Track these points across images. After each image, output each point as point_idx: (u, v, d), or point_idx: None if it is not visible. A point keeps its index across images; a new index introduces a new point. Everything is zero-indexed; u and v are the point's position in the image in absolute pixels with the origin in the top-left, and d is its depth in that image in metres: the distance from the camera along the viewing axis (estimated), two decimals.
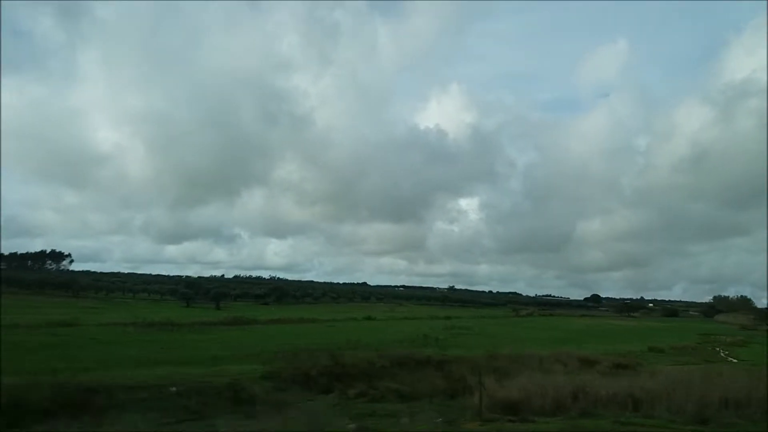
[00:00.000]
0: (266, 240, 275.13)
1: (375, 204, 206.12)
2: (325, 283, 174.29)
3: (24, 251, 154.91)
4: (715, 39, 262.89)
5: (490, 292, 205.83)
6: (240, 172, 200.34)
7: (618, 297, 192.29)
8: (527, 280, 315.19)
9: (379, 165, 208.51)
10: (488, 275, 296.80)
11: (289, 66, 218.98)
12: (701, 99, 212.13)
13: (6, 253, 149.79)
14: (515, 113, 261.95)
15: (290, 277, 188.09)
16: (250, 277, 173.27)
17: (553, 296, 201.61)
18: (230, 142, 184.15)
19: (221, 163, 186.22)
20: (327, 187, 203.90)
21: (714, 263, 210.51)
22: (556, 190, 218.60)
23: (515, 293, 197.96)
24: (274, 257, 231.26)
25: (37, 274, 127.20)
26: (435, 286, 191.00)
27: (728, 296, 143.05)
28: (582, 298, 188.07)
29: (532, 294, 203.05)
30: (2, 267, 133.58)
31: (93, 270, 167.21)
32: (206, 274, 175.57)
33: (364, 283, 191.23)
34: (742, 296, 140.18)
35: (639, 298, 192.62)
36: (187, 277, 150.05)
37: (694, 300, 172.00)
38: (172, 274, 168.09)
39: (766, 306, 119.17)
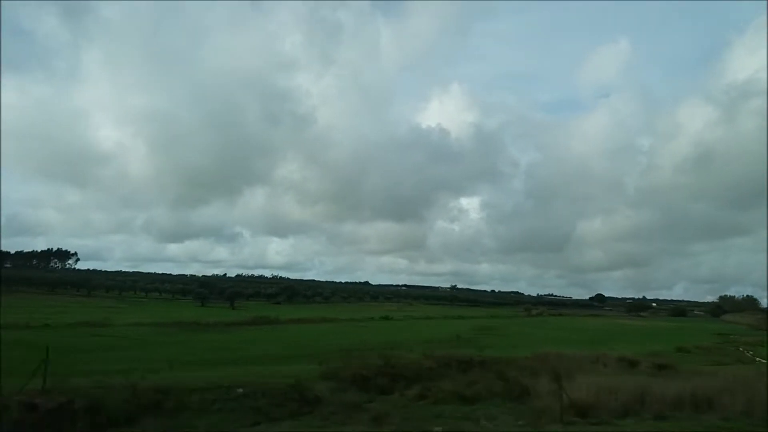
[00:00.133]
0: (267, 239, 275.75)
1: (376, 203, 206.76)
2: (327, 282, 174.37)
3: (29, 250, 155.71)
4: (717, 39, 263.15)
5: (493, 291, 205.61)
6: (242, 171, 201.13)
7: (620, 297, 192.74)
8: (528, 280, 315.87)
9: (381, 164, 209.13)
10: (489, 274, 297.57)
11: (291, 65, 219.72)
12: (703, 99, 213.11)
13: (12, 251, 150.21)
14: (517, 113, 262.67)
15: (292, 275, 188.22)
16: (252, 276, 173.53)
17: (555, 295, 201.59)
18: (232, 142, 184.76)
19: (223, 163, 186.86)
20: (328, 186, 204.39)
21: (715, 263, 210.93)
22: (558, 189, 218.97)
23: (517, 293, 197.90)
24: (275, 256, 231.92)
25: (52, 274, 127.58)
26: (436, 286, 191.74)
27: (734, 296, 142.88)
28: (586, 298, 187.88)
29: (533, 293, 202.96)
30: (7, 265, 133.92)
31: (95, 269, 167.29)
32: (207, 272, 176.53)
33: (366, 282, 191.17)
34: (748, 296, 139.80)
35: (641, 297, 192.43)
36: (202, 276, 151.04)
37: (695, 299, 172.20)
38: (174, 273, 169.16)
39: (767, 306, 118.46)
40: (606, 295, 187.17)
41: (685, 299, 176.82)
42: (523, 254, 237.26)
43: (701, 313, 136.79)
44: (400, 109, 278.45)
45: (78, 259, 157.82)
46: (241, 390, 14.24)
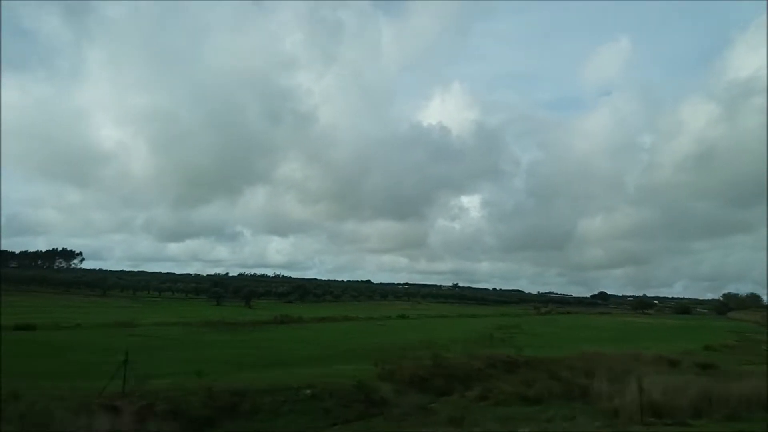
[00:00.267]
0: (268, 238, 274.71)
1: (377, 202, 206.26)
2: (329, 280, 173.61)
3: (33, 249, 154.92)
4: (718, 37, 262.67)
5: (495, 289, 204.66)
6: (243, 170, 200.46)
7: (620, 294, 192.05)
8: (529, 278, 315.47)
9: (382, 163, 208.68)
10: (489, 272, 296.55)
11: (292, 64, 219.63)
12: (704, 97, 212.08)
13: (17, 251, 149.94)
14: (518, 112, 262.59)
15: (293, 274, 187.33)
16: (255, 275, 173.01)
17: (557, 293, 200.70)
18: (234, 141, 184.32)
19: (224, 162, 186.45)
20: (330, 185, 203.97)
21: (716, 261, 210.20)
22: (559, 188, 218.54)
23: (518, 291, 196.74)
24: (275, 255, 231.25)
25: (66, 274, 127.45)
26: (438, 284, 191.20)
27: (738, 293, 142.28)
28: (588, 296, 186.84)
29: (534, 291, 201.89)
30: (12, 265, 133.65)
31: (99, 268, 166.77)
32: (208, 272, 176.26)
33: (368, 281, 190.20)
34: (751, 293, 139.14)
35: (642, 295, 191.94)
36: (216, 275, 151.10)
37: (695, 297, 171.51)
38: (178, 273, 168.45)
39: None
40: (605, 293, 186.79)
41: (686, 297, 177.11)
42: (524, 252, 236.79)
43: (705, 310, 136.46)
44: (401, 108, 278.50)
45: (83, 259, 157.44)
46: (309, 391, 14.15)
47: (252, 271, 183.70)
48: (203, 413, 11.79)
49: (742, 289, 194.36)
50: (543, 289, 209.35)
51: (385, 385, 15.42)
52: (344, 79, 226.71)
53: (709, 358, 24.63)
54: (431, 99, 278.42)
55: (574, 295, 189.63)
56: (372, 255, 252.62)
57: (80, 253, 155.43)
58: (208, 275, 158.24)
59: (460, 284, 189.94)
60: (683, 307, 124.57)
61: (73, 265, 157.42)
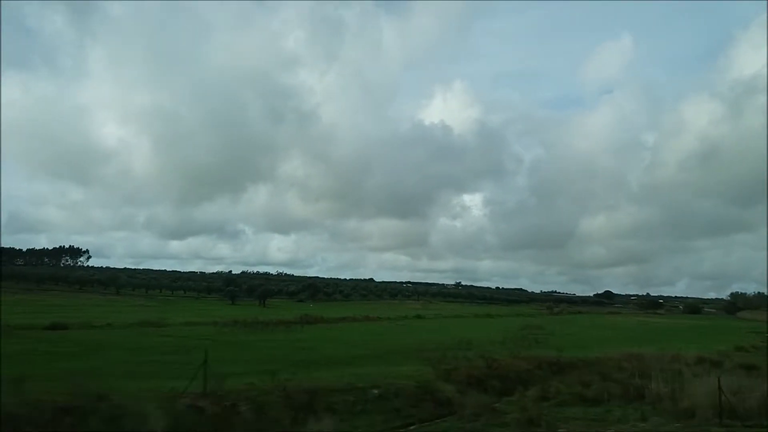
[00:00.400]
0: (270, 236, 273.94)
1: (379, 200, 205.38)
2: (331, 278, 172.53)
3: (39, 247, 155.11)
4: (720, 35, 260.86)
5: (498, 288, 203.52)
6: (245, 168, 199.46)
7: (623, 293, 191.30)
8: (530, 276, 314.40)
9: (384, 161, 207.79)
10: (490, 271, 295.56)
11: (295, 63, 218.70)
12: (707, 95, 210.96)
13: (24, 249, 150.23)
14: (520, 110, 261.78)
15: (294, 272, 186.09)
16: (258, 273, 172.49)
17: (559, 292, 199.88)
18: (236, 139, 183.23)
19: (227, 160, 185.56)
20: (331, 183, 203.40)
21: (718, 260, 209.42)
22: (561, 186, 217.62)
23: (521, 289, 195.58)
24: (277, 253, 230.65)
25: (80, 271, 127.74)
26: (439, 282, 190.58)
27: (745, 293, 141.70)
28: (591, 294, 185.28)
29: (536, 290, 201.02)
30: (19, 263, 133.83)
31: (103, 266, 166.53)
32: (210, 269, 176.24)
33: (371, 279, 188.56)
34: (759, 293, 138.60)
35: (645, 294, 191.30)
36: (243, 273, 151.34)
37: (698, 296, 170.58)
38: (184, 270, 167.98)
39: None
40: (602, 292, 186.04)
41: (688, 296, 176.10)
42: (525, 251, 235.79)
43: (712, 310, 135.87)
44: (403, 107, 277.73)
45: (90, 257, 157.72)
46: (376, 391, 14.22)
47: (254, 269, 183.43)
48: (285, 413, 11.87)
49: (745, 288, 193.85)
50: (545, 288, 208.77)
51: (447, 385, 15.45)
52: (346, 78, 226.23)
53: (747, 359, 24.58)
54: (433, 97, 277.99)
55: (577, 294, 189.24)
56: (373, 253, 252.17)
57: (87, 251, 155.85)
58: (217, 273, 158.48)
59: (461, 283, 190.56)
60: (692, 306, 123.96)
61: (79, 263, 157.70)
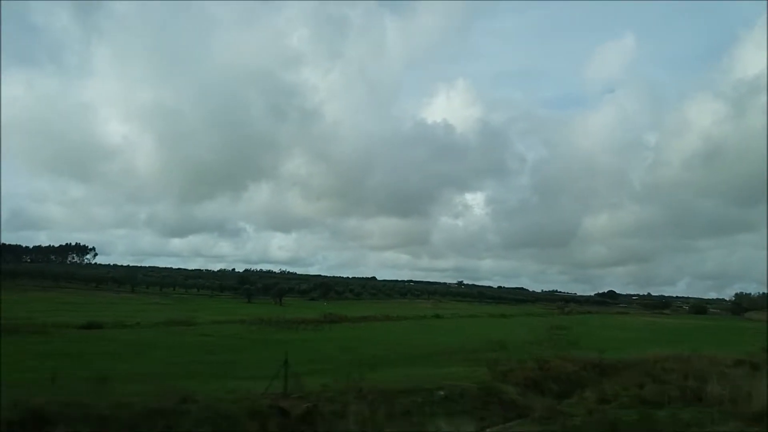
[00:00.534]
0: (271, 234, 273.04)
1: (381, 199, 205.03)
2: (333, 277, 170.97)
3: (39, 244, 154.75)
4: (723, 35, 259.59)
5: (500, 287, 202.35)
6: (247, 166, 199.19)
7: (624, 293, 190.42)
8: (531, 276, 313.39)
9: (386, 159, 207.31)
10: (491, 270, 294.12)
11: (298, 61, 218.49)
12: (710, 95, 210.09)
13: (30, 246, 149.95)
14: (522, 109, 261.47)
15: (296, 270, 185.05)
16: (260, 271, 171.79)
17: (560, 292, 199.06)
18: (238, 137, 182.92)
19: (229, 158, 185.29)
20: (333, 181, 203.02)
21: (719, 259, 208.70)
22: (562, 185, 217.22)
23: (522, 288, 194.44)
24: (278, 251, 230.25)
25: (86, 269, 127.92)
26: (441, 281, 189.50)
27: (750, 293, 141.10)
28: (592, 294, 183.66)
29: (537, 289, 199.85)
30: (26, 260, 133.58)
31: (110, 263, 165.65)
32: (211, 267, 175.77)
33: (373, 278, 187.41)
34: (763, 293, 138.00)
35: (647, 294, 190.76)
36: (246, 270, 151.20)
37: (698, 296, 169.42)
38: (191, 268, 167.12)
39: None
40: (606, 291, 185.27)
41: (689, 295, 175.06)
42: (527, 250, 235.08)
43: (716, 310, 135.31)
44: (406, 105, 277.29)
45: (96, 254, 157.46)
46: (442, 393, 14.13)
47: (256, 267, 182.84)
48: (366, 414, 11.77)
49: (745, 288, 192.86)
50: (546, 287, 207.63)
51: (508, 387, 15.35)
52: (349, 76, 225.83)
53: None
54: (435, 96, 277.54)
55: (578, 294, 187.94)
56: (374, 252, 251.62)
57: (93, 248, 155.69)
58: (221, 271, 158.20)
59: (462, 282, 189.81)
60: (698, 307, 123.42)
61: (86, 261, 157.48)
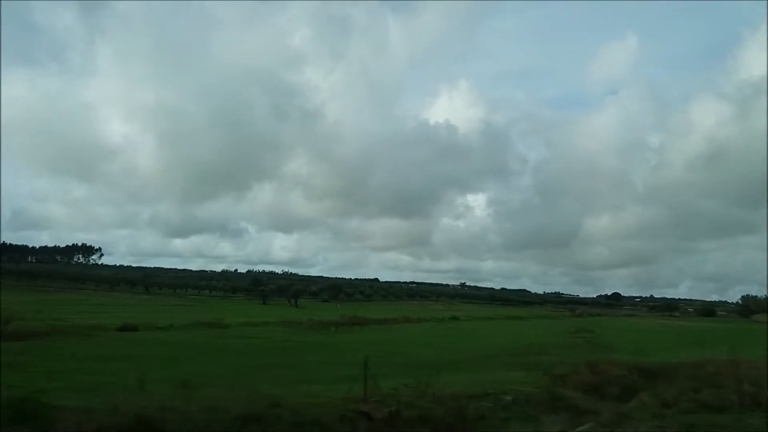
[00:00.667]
0: (272, 234, 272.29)
1: (383, 199, 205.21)
2: (335, 278, 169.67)
3: (44, 245, 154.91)
4: (726, 36, 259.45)
5: (503, 289, 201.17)
6: (249, 166, 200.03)
7: (626, 295, 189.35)
8: (532, 277, 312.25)
9: (388, 160, 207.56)
10: (492, 271, 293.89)
11: (300, 61, 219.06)
12: (714, 96, 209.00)
13: (37, 246, 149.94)
14: (524, 110, 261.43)
15: (297, 271, 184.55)
16: (263, 272, 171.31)
17: (562, 293, 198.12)
18: (240, 137, 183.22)
19: (231, 158, 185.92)
20: (335, 181, 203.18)
21: (721, 261, 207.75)
22: (565, 186, 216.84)
23: (524, 290, 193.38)
24: (279, 252, 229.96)
25: (100, 270, 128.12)
26: (443, 282, 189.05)
27: (757, 296, 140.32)
28: (594, 296, 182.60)
29: (539, 291, 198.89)
30: (31, 260, 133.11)
31: (117, 264, 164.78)
32: (213, 268, 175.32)
33: (376, 279, 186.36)
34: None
35: (649, 296, 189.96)
36: (249, 271, 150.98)
37: (700, 298, 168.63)
38: (192, 269, 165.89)
39: None
40: (610, 293, 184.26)
41: (690, 298, 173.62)
42: (528, 251, 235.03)
43: (723, 312, 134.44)
44: (408, 105, 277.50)
45: (102, 255, 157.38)
46: (509, 398, 14.11)
47: (258, 268, 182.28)
48: (445, 419, 11.76)
49: (747, 290, 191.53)
50: (548, 289, 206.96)
51: (570, 391, 15.29)
52: (352, 76, 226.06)
53: None
54: (438, 96, 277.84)
55: (580, 295, 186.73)
56: (375, 253, 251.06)
57: (99, 249, 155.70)
58: (222, 272, 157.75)
59: (462, 283, 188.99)
60: (707, 309, 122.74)
61: (92, 261, 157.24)
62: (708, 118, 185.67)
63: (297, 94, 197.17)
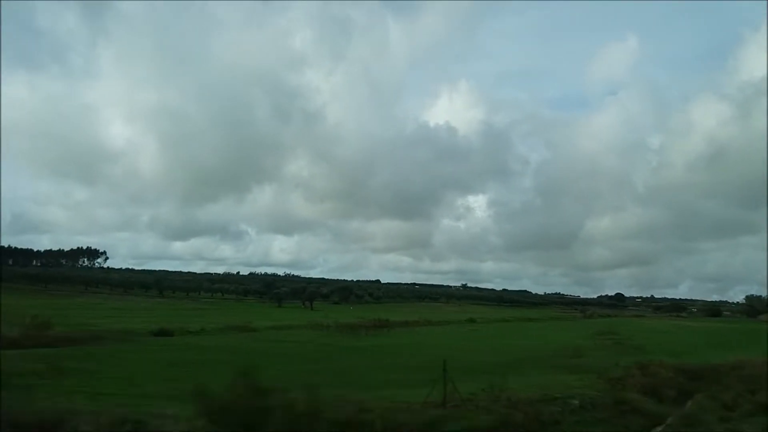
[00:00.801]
0: (273, 237, 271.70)
1: (383, 201, 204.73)
2: (336, 279, 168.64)
3: (50, 249, 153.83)
4: (726, 36, 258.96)
5: (504, 290, 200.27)
6: (250, 168, 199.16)
7: (627, 296, 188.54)
8: (532, 278, 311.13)
9: (389, 161, 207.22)
10: (492, 272, 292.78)
11: (302, 62, 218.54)
12: (714, 96, 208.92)
13: (40, 249, 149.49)
14: (525, 111, 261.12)
15: (299, 273, 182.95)
16: (265, 274, 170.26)
17: (563, 294, 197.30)
18: (242, 139, 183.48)
19: (232, 160, 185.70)
20: (336, 183, 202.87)
21: (721, 261, 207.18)
22: (565, 187, 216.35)
23: (525, 291, 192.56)
24: (279, 254, 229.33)
25: (117, 274, 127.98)
26: (444, 284, 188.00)
27: (761, 296, 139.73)
28: (595, 296, 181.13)
29: (540, 292, 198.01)
30: (36, 264, 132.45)
31: (124, 267, 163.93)
32: (212, 270, 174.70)
33: (377, 281, 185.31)
34: None
35: (650, 296, 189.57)
36: (251, 274, 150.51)
37: (701, 298, 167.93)
38: (201, 272, 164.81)
39: None
40: (611, 294, 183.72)
41: (691, 297, 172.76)
42: (529, 252, 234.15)
43: (728, 313, 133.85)
44: (408, 106, 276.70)
45: (107, 258, 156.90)
46: (576, 402, 14.13)
47: (259, 270, 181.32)
48: (525, 425, 11.79)
49: (747, 290, 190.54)
50: (548, 290, 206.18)
51: (630, 394, 15.31)
52: (352, 78, 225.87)
53: None
54: (438, 97, 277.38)
55: (581, 296, 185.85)
56: (376, 254, 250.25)
57: (104, 252, 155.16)
58: (225, 274, 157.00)
59: (463, 284, 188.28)
60: (714, 310, 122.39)
61: (97, 264, 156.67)
62: (708, 118, 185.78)
63: (298, 95, 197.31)
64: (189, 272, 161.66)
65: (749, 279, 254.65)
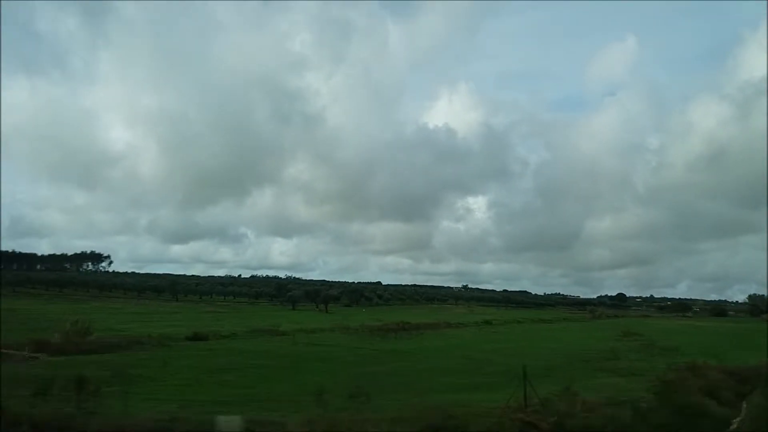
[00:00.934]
0: (272, 239, 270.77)
1: (383, 203, 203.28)
2: (336, 282, 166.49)
3: (60, 252, 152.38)
4: (726, 37, 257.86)
5: (504, 291, 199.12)
6: (250, 171, 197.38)
7: (628, 296, 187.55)
8: (532, 279, 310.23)
9: (389, 164, 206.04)
10: (492, 273, 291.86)
11: (301, 65, 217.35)
12: (714, 97, 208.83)
13: (45, 254, 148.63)
14: (524, 112, 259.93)
15: (299, 276, 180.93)
16: (266, 277, 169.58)
17: (563, 295, 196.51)
18: (241, 142, 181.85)
19: (232, 163, 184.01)
20: (335, 186, 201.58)
21: (721, 261, 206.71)
22: (565, 188, 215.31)
23: (525, 291, 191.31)
24: (279, 256, 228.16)
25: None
26: (444, 285, 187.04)
27: (763, 295, 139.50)
28: (594, 297, 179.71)
29: (539, 292, 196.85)
30: (40, 268, 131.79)
31: (126, 271, 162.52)
32: (212, 273, 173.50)
33: (378, 282, 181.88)
34: None
35: (650, 296, 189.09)
36: (252, 276, 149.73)
37: (700, 298, 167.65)
38: (202, 275, 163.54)
39: None
40: (611, 294, 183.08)
41: (693, 298, 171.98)
42: (528, 253, 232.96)
43: (732, 312, 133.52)
44: (408, 108, 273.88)
45: (111, 262, 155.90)
46: (645, 405, 14.08)
47: (259, 273, 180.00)
48: (605, 428, 11.75)
49: (746, 290, 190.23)
50: (548, 291, 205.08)
51: (692, 397, 15.26)
52: (352, 80, 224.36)
53: None
54: (438, 99, 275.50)
55: (581, 297, 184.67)
56: (375, 256, 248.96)
57: (108, 256, 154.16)
58: (225, 277, 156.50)
59: (462, 285, 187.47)
60: (718, 309, 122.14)
61: (101, 269, 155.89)
62: (708, 118, 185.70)
63: (298, 98, 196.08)
64: (193, 275, 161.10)
65: (748, 279, 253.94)
